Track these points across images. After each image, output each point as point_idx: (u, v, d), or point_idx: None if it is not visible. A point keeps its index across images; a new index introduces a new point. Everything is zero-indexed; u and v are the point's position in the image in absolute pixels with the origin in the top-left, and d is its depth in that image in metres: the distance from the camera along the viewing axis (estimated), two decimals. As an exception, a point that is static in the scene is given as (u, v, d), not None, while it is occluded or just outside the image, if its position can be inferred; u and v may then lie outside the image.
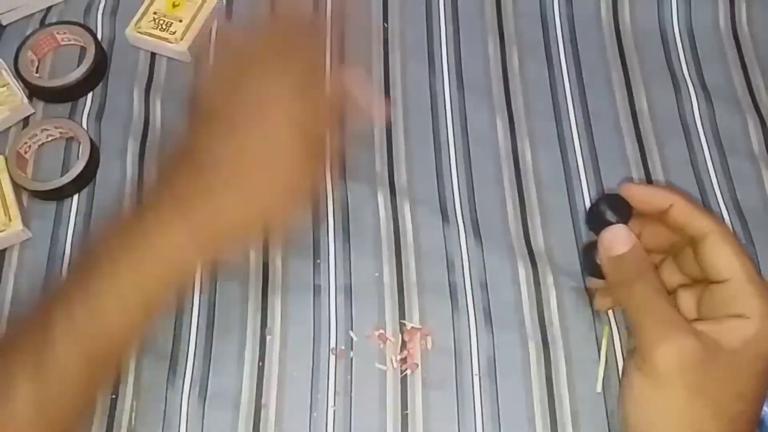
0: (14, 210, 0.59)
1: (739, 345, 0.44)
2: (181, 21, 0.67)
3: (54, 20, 0.69)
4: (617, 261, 0.47)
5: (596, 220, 0.49)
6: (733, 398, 0.44)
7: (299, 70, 0.47)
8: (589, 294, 0.57)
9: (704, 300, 0.48)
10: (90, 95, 0.66)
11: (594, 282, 0.55)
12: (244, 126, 0.46)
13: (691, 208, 0.47)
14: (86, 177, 0.62)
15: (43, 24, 0.69)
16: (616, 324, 0.56)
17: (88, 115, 0.65)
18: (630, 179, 0.61)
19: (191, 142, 0.47)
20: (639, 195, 0.49)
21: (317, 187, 0.50)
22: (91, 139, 0.63)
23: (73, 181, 0.61)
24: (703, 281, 0.48)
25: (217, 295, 0.57)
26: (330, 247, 0.59)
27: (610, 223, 0.48)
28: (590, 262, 0.49)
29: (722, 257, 0.46)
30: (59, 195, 0.61)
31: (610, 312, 0.56)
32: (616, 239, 0.47)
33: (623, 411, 0.47)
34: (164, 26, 0.67)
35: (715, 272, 0.46)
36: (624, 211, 0.49)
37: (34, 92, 0.65)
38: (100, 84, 0.66)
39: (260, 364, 0.55)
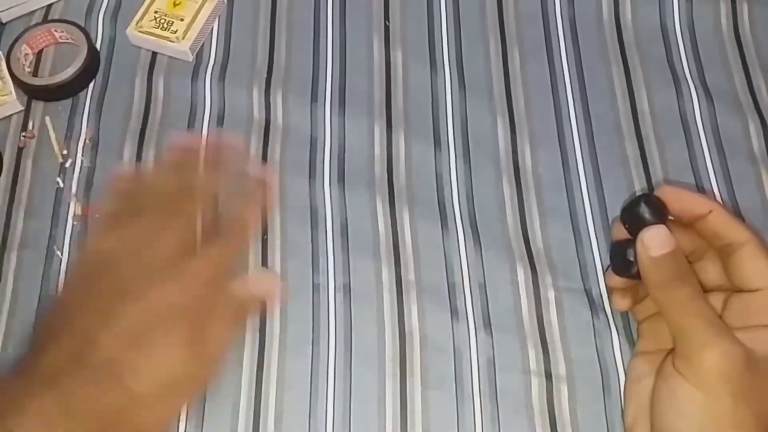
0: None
1: None
2: (182, 20, 0.67)
3: (55, 18, 0.69)
4: (658, 261, 0.47)
5: (633, 219, 0.49)
6: None
7: (180, 238, 0.46)
8: (609, 292, 0.57)
9: (731, 308, 0.48)
10: (90, 94, 0.66)
11: (615, 280, 0.54)
12: (121, 301, 0.43)
13: (730, 217, 0.48)
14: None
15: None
16: (615, 326, 0.56)
17: (88, 114, 0.65)
18: (630, 182, 0.61)
19: (68, 313, 0.43)
20: (679, 199, 0.49)
21: (205, 374, 0.46)
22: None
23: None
24: (719, 289, 0.49)
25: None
26: (329, 248, 0.59)
27: (648, 223, 0.48)
28: (620, 260, 0.49)
29: (758, 267, 0.46)
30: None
31: (609, 314, 0.56)
32: (659, 239, 0.47)
33: (656, 414, 0.47)
34: (165, 25, 0.67)
35: (748, 281, 0.47)
36: (661, 212, 0.49)
37: (21, 88, 0.66)
38: (101, 84, 0.66)
39: (259, 364, 0.56)
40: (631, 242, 0.49)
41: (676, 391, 0.45)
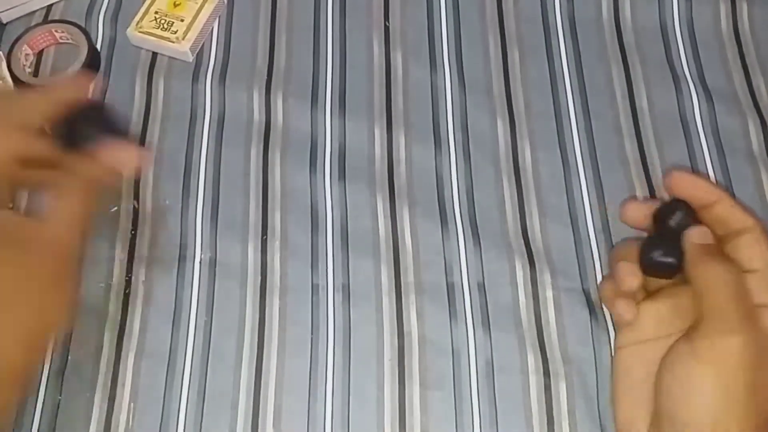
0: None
1: None
2: (182, 20, 0.67)
3: (55, 19, 0.69)
4: (707, 246, 0.48)
5: (674, 221, 0.50)
6: None
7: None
8: (608, 303, 0.54)
9: None
10: (89, 95, 0.66)
11: (625, 285, 0.51)
12: None
13: (735, 205, 0.49)
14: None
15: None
16: (613, 327, 0.56)
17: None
18: (631, 187, 0.61)
19: None
20: (690, 187, 0.51)
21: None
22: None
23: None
24: None
25: (215, 295, 0.58)
26: (328, 248, 0.59)
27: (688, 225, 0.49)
28: (663, 252, 0.50)
29: (756, 251, 0.48)
30: None
31: (607, 314, 0.56)
32: (705, 235, 0.48)
33: (665, 400, 0.47)
34: (166, 26, 0.67)
35: (747, 263, 0.48)
36: (693, 216, 0.50)
37: (21, 88, 0.65)
38: (101, 84, 0.66)
39: (258, 364, 0.56)
40: (662, 241, 0.50)
41: (691, 375, 0.45)
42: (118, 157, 0.51)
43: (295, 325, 0.57)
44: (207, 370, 0.56)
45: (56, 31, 0.68)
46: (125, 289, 0.58)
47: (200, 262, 0.59)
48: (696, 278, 0.47)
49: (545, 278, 0.58)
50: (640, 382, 0.49)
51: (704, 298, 0.46)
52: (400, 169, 0.62)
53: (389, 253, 0.59)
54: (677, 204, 0.50)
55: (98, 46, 0.68)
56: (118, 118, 0.51)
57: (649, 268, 0.50)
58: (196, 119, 0.65)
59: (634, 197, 0.60)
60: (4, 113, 0.49)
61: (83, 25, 0.68)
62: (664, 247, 0.49)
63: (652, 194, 0.61)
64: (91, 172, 0.49)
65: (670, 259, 0.49)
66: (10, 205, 0.52)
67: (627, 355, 0.51)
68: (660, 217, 0.51)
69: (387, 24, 0.69)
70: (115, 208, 0.61)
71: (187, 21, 0.67)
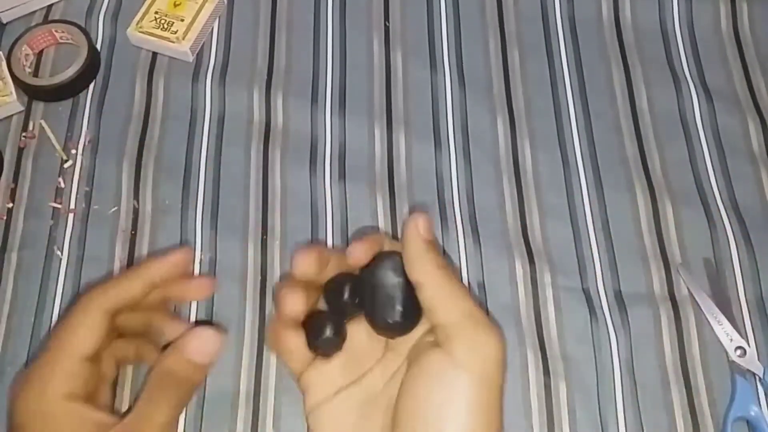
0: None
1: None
2: (182, 20, 0.67)
3: (55, 19, 0.69)
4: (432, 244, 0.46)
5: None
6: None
7: None
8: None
9: None
10: (90, 95, 0.66)
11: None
12: None
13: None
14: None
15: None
16: (613, 325, 0.56)
17: (89, 114, 0.65)
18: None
19: None
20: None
21: None
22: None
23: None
24: None
25: (215, 295, 0.58)
26: (328, 247, 0.59)
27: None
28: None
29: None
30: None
31: (607, 312, 0.57)
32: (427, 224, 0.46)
33: (409, 413, 0.44)
34: (166, 26, 0.67)
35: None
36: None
37: (22, 88, 0.66)
38: (101, 84, 0.66)
39: (258, 364, 0.56)
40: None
41: (452, 387, 0.42)
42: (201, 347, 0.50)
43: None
44: (207, 369, 0.56)
45: (56, 31, 0.68)
46: (125, 289, 0.58)
47: (200, 262, 0.59)
48: (434, 280, 0.45)
49: (545, 277, 0.58)
50: (343, 412, 0.47)
51: (449, 304, 0.44)
52: (400, 169, 0.62)
53: (389, 253, 0.59)
54: (344, 278, 0.48)
55: (98, 46, 0.68)
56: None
57: (316, 349, 0.48)
58: (196, 119, 0.65)
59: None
60: (100, 300, 0.48)
61: (83, 25, 0.68)
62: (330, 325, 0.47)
63: (653, 195, 0.61)
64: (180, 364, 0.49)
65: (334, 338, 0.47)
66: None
67: (326, 412, 0.48)
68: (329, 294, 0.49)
69: (387, 24, 0.69)
70: (115, 208, 0.61)
71: (187, 21, 0.67)
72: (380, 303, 0.46)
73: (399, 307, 0.46)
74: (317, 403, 0.48)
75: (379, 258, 0.48)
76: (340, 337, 0.48)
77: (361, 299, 0.47)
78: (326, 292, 0.49)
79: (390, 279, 0.46)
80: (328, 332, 0.47)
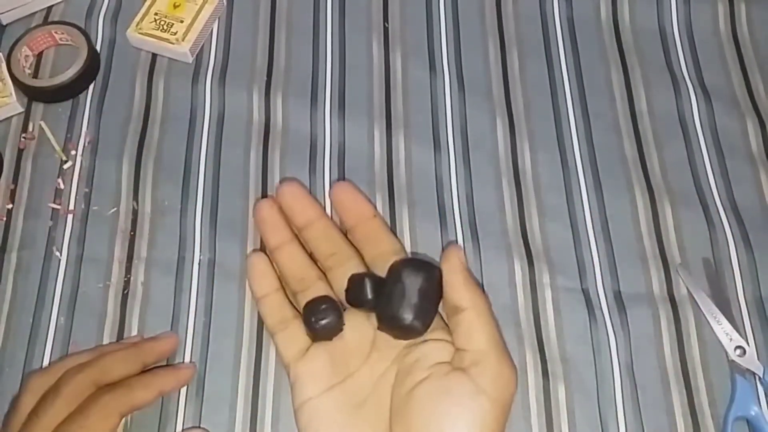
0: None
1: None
2: (182, 21, 0.67)
3: (55, 20, 0.69)
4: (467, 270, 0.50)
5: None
6: None
7: None
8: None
9: None
10: (90, 96, 0.66)
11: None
12: None
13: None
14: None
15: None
16: (612, 326, 0.56)
17: (89, 115, 0.65)
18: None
19: None
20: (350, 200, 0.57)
21: None
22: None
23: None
24: None
25: (214, 296, 0.58)
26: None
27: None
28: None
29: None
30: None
31: (606, 314, 0.57)
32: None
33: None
34: (165, 27, 0.67)
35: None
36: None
37: (21, 89, 0.66)
38: (101, 86, 0.66)
39: (257, 365, 0.56)
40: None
41: (464, 401, 0.46)
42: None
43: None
44: (205, 371, 0.56)
45: (56, 32, 0.68)
46: (124, 290, 0.58)
47: (199, 263, 0.59)
48: (470, 304, 0.49)
49: (544, 279, 0.58)
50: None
51: (479, 330, 0.48)
52: (400, 170, 0.62)
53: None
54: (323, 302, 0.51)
55: (98, 48, 0.68)
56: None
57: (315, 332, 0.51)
58: (196, 120, 0.65)
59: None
60: (119, 407, 0.50)
61: (83, 26, 0.68)
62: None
63: (652, 196, 0.61)
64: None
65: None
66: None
67: (315, 410, 0.50)
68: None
69: (386, 25, 0.69)
70: (115, 208, 0.61)
71: (187, 22, 0.67)
72: (400, 302, 0.48)
73: (419, 311, 0.48)
74: (306, 399, 0.50)
75: (410, 262, 0.50)
76: (341, 321, 0.51)
77: (379, 295, 0.49)
78: (350, 284, 0.51)
79: (417, 283, 0.48)
80: (331, 315, 0.50)
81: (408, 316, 0.48)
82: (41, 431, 0.48)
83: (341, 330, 0.51)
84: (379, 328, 0.50)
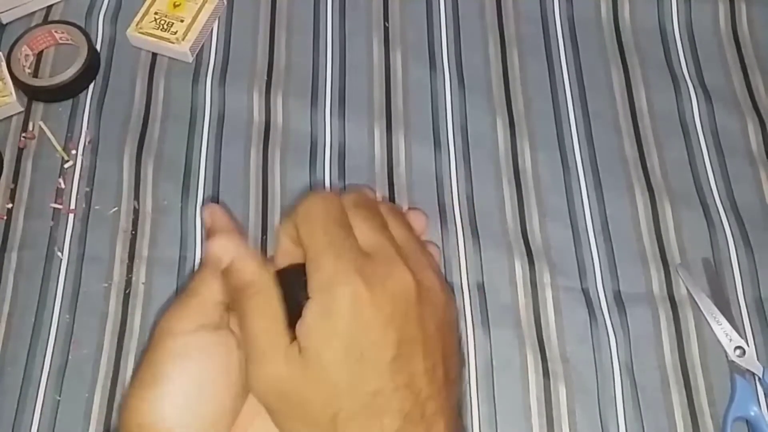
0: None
1: None
2: (182, 21, 0.67)
3: (55, 20, 0.69)
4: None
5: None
6: None
7: None
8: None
9: None
10: (90, 96, 0.66)
11: None
12: None
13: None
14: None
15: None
16: (612, 326, 0.56)
17: (89, 115, 0.65)
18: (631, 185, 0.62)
19: None
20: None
21: None
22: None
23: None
24: None
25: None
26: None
27: None
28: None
29: None
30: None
31: (606, 313, 0.57)
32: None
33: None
34: (165, 26, 0.67)
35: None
36: None
37: (21, 89, 0.66)
38: (101, 85, 0.66)
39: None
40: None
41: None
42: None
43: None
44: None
45: (56, 31, 0.68)
46: (125, 289, 0.58)
47: (200, 262, 0.59)
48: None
49: (545, 278, 0.58)
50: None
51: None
52: (400, 170, 0.62)
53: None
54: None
55: (98, 47, 0.68)
56: None
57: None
58: (196, 119, 0.65)
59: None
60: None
61: (83, 25, 0.68)
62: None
63: (652, 195, 0.61)
64: None
65: None
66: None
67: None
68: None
69: (386, 24, 0.69)
70: (116, 208, 0.61)
71: (187, 21, 0.67)
72: None
73: None
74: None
75: None
76: None
77: None
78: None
79: None
80: None
81: None
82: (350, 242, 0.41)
83: None
84: None
